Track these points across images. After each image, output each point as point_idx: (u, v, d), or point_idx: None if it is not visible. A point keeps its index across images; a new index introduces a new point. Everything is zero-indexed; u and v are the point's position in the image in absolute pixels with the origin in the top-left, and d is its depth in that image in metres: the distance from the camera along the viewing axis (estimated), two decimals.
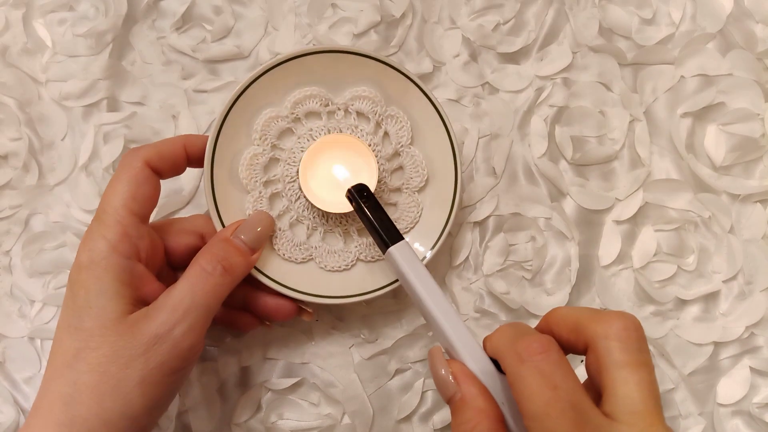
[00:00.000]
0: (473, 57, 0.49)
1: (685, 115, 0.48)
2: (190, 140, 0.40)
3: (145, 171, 0.37)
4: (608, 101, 0.49)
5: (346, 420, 0.46)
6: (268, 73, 0.42)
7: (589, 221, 0.48)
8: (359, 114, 0.44)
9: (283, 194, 0.43)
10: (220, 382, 0.46)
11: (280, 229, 0.43)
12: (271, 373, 0.46)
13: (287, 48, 0.49)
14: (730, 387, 0.47)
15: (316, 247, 0.43)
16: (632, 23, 0.49)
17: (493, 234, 0.48)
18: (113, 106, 0.48)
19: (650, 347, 0.46)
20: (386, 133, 0.44)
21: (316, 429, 0.46)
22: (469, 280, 0.47)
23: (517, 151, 0.49)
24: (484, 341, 0.33)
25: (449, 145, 0.43)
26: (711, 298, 0.48)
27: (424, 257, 0.43)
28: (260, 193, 0.43)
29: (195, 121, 0.48)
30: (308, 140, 0.43)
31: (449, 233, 0.43)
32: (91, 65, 0.48)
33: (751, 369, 0.47)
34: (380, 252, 0.42)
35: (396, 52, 0.49)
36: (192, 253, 0.38)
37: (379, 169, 0.42)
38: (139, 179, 0.37)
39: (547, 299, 0.47)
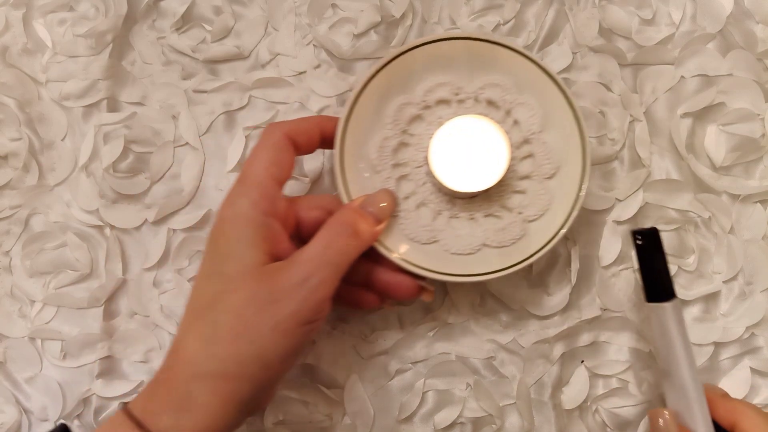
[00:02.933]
0: None
1: (685, 115, 0.48)
2: (324, 121, 0.42)
3: (284, 140, 0.40)
4: (608, 101, 0.49)
5: (347, 420, 0.46)
6: (398, 59, 0.42)
7: (589, 221, 0.48)
8: (489, 102, 0.44)
9: (411, 178, 0.44)
10: None
11: (405, 210, 0.43)
12: None
13: (287, 48, 0.49)
14: (731, 388, 0.47)
15: (441, 230, 0.43)
16: (632, 23, 0.49)
17: None
18: (113, 106, 0.48)
19: (650, 348, 0.47)
20: (516, 122, 0.44)
21: (316, 429, 0.46)
22: None
23: None
24: (712, 402, 0.36)
25: (577, 133, 0.43)
26: (711, 298, 0.48)
27: (554, 237, 0.42)
28: (389, 174, 0.43)
29: (195, 121, 0.48)
30: (437, 127, 0.43)
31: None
32: (91, 65, 0.48)
33: (752, 370, 0.47)
34: (508, 238, 0.43)
35: None
36: (320, 226, 0.40)
37: (509, 150, 0.41)
38: (278, 147, 0.39)
39: (548, 299, 0.47)
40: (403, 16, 0.49)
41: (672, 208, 0.48)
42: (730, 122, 0.48)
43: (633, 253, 0.41)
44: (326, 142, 0.42)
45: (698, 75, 0.49)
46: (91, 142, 0.47)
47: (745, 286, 0.48)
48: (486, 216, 0.44)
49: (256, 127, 0.48)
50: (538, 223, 0.43)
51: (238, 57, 0.49)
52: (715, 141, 0.48)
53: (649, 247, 0.40)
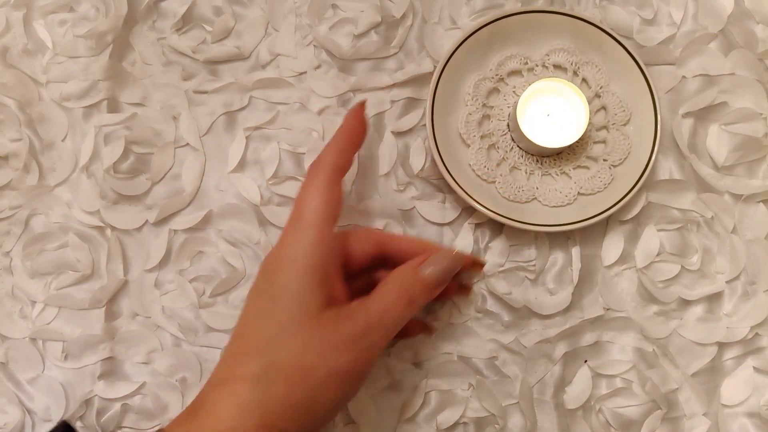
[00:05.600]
0: None
1: (687, 115, 0.48)
2: (354, 132, 0.40)
3: (333, 175, 0.39)
4: None
5: (349, 420, 0.46)
6: (469, 39, 0.46)
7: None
8: (556, 66, 0.48)
9: (499, 146, 0.47)
10: None
11: (501, 175, 0.47)
12: None
13: (288, 49, 0.49)
14: (734, 388, 0.47)
15: (537, 188, 0.47)
16: (633, 23, 0.49)
17: (495, 235, 0.47)
18: (114, 107, 0.48)
19: (653, 348, 0.46)
20: (584, 80, 0.48)
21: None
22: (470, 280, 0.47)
23: None
24: None
25: (643, 79, 0.46)
26: (714, 298, 0.47)
27: (642, 175, 0.45)
28: (479, 145, 0.47)
29: (196, 122, 0.48)
30: (513, 96, 0.48)
31: None
32: (91, 66, 0.48)
33: (755, 369, 0.47)
34: (600, 184, 0.46)
35: (396, 53, 0.49)
36: (368, 260, 0.41)
37: (587, 105, 0.44)
38: (329, 184, 0.38)
39: (550, 299, 0.47)
40: (404, 16, 0.49)
41: (675, 208, 0.48)
42: (733, 122, 0.48)
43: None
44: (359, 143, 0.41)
45: (700, 75, 0.49)
46: (92, 143, 0.47)
47: (748, 286, 0.47)
48: (575, 168, 0.47)
49: (256, 128, 0.48)
50: (624, 167, 0.46)
51: (238, 57, 0.49)
52: (717, 141, 0.48)
53: None
